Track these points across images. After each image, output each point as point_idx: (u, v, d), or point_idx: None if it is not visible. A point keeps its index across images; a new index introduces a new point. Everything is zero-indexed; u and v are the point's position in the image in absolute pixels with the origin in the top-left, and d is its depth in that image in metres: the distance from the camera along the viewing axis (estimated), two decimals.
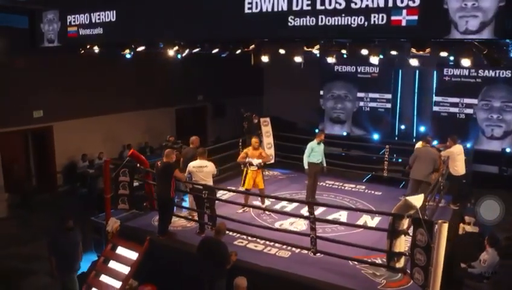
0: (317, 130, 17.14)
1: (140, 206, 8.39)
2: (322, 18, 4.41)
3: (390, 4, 4.04)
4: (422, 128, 16.07)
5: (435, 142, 12.63)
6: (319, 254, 6.74)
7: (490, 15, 3.75)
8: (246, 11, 4.82)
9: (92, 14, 6.26)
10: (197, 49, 9.07)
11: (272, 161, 11.86)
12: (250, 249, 7.22)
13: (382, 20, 4.11)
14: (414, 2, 3.95)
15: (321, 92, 17.65)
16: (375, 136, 16.10)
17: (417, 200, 5.45)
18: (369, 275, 6.35)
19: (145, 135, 14.85)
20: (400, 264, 5.89)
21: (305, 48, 5.60)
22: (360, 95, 16.91)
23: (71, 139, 12.36)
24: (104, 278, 7.34)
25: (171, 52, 9.37)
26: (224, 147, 11.45)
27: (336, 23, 4.33)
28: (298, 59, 9.70)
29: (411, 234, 5.66)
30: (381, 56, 9.49)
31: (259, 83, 20.27)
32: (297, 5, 4.51)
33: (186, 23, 5.44)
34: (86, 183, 12.11)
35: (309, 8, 4.46)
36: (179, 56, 11.57)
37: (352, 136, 16.62)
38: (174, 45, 6.31)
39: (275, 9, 4.61)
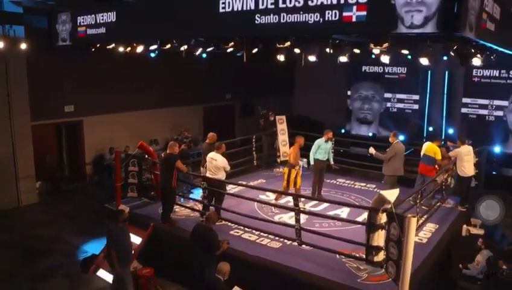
0: (343, 130, 17.44)
1: (149, 195, 8.89)
2: (283, 16, 4.68)
3: (342, 1, 4.24)
4: (450, 131, 15.73)
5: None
6: (306, 247, 6.98)
7: (433, 9, 3.86)
8: (221, 10, 5.17)
9: (96, 15, 6.82)
10: (211, 48, 9.47)
11: (287, 159, 12.10)
12: (244, 238, 7.54)
13: (335, 16, 4.32)
14: None
15: (348, 93, 17.62)
16: (401, 138, 15.82)
17: (391, 194, 5.53)
18: (352, 268, 6.48)
19: (173, 131, 15.39)
20: (378, 258, 5.96)
21: (278, 45, 5.85)
22: (387, 95, 16.74)
23: (100, 133, 13.08)
24: None
25: (197, 51, 9.85)
26: (237, 142, 11.84)
27: (295, 20, 4.59)
28: (312, 58, 9.93)
29: None
30: (409, 57, 9.60)
31: (290, 83, 20.45)
32: (262, 4, 4.82)
33: (169, 23, 5.86)
34: (112, 174, 12.80)
35: (273, 6, 4.75)
36: (204, 55, 12.00)
37: (379, 137, 16.46)
38: (169, 42, 6.68)
39: (244, 8, 4.94)
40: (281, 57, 9.45)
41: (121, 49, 8.66)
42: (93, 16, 6.87)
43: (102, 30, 6.74)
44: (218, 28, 5.29)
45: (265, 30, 4.79)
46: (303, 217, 8.15)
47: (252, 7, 4.83)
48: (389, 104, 16.76)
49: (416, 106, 16.18)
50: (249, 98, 18.31)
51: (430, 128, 16.27)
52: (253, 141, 11.63)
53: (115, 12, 6.47)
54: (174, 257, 7.54)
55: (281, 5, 4.64)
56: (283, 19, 4.63)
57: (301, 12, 4.47)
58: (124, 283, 6.58)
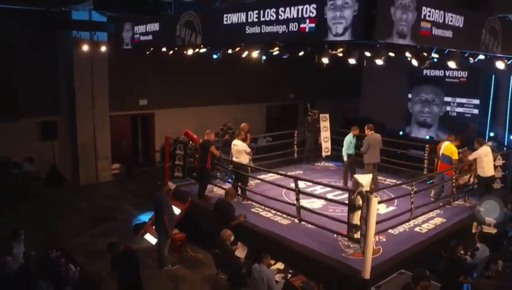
0: (401, 133, 17.67)
1: (192, 176, 10.41)
2: (263, 27, 5.89)
3: (300, 16, 5.33)
4: None
5: None
6: (311, 226, 7.96)
7: (349, 21, 4.77)
8: (224, 22, 6.58)
9: (147, 25, 8.54)
10: (257, 51, 10.75)
11: (328, 154, 13.00)
12: (261, 215, 8.76)
13: (295, 27, 5.41)
14: (313, 13, 5.19)
15: (409, 96, 17.80)
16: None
17: (364, 178, 6.36)
18: (343, 245, 7.34)
19: (236, 125, 16.81)
20: (358, 235, 6.79)
21: (270, 50, 6.98)
22: (447, 99, 16.70)
23: (169, 124, 14.79)
24: None
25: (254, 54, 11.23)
26: (281, 136, 13.05)
27: (270, 30, 5.79)
28: (352, 61, 10.75)
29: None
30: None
31: (357, 86, 20.94)
32: (250, 18, 6.12)
33: (193, 32, 7.36)
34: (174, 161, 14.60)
35: (257, 19, 6.00)
36: (263, 57, 13.24)
37: (437, 140, 16.45)
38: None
39: (239, 21, 6.28)
40: (325, 60, 10.45)
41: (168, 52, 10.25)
42: (144, 25, 8.60)
43: (150, 37, 8.45)
44: (223, 36, 6.73)
45: (252, 38, 6.12)
46: (320, 203, 9.18)
47: (243, 20, 6.17)
48: (448, 108, 16.70)
49: (475, 111, 15.96)
50: (312, 98, 19.17)
51: (492, 134, 15.94)
52: (295, 135, 12.73)
53: (158, 23, 8.17)
54: (204, 227, 8.91)
55: (261, 18, 5.91)
56: (263, 30, 5.88)
57: (274, 24, 5.69)
58: (162, 243, 8.20)
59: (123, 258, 6.39)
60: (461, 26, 5.79)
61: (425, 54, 5.93)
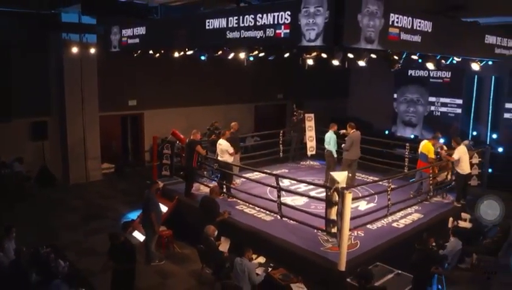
0: (387, 132, 18.05)
1: (179, 175, 10.69)
2: (242, 32, 6.22)
3: (276, 22, 5.67)
4: (494, 136, 15.75)
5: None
6: (293, 222, 8.28)
7: (321, 28, 5.09)
8: (206, 27, 6.92)
9: (134, 29, 8.84)
10: (241, 53, 11.04)
11: (313, 153, 13.32)
12: (245, 212, 9.05)
13: (272, 33, 5.75)
14: (287, 20, 5.52)
15: (395, 96, 18.21)
16: (441, 141, 16.12)
17: (339, 175, 6.69)
18: (322, 240, 7.66)
19: (225, 126, 17.08)
20: (335, 230, 7.13)
21: (250, 54, 7.34)
22: (431, 99, 17.11)
23: (158, 124, 15.02)
24: None
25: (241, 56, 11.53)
26: (267, 135, 13.37)
27: (249, 35, 6.13)
28: (336, 62, 11.06)
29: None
30: None
31: (345, 86, 21.29)
32: (230, 23, 6.47)
33: (177, 36, 7.67)
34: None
35: (236, 25, 6.34)
36: (251, 58, 13.56)
37: (420, 139, 16.82)
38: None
39: (220, 26, 6.61)
40: (310, 61, 10.76)
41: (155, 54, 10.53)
42: (131, 29, 8.90)
43: (137, 40, 8.76)
44: (205, 39, 7.06)
45: (232, 42, 6.45)
46: (302, 200, 9.50)
47: (224, 25, 6.50)
48: (433, 108, 17.12)
49: (459, 110, 16.39)
50: (301, 98, 19.46)
51: (474, 133, 16.36)
52: (280, 135, 13.05)
53: (145, 27, 8.49)
54: (191, 224, 9.20)
55: (240, 24, 6.24)
56: (242, 35, 6.21)
57: (252, 29, 6.02)
58: (149, 239, 8.49)
59: (122, 249, 6.68)
60: (430, 30, 6.14)
61: (396, 57, 6.28)
